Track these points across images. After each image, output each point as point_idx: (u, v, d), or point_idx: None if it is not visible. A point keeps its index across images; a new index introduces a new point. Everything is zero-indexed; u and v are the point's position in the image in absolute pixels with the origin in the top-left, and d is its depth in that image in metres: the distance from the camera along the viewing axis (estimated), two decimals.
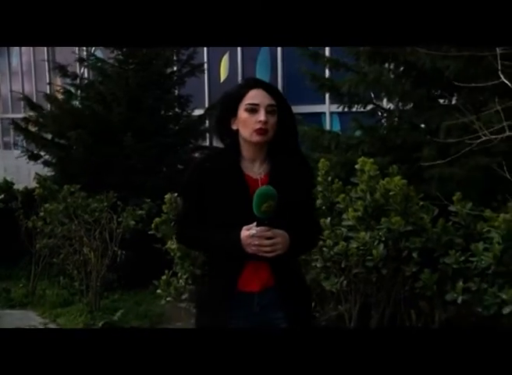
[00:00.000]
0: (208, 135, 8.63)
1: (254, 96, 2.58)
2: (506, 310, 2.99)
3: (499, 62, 2.95)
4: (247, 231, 2.51)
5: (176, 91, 8.17)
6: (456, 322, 3.43)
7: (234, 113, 2.62)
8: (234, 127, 2.64)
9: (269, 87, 2.64)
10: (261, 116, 2.54)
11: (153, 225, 4.56)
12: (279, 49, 7.95)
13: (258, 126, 2.54)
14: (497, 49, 2.97)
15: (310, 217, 2.77)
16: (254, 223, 2.50)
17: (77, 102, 8.14)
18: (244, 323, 2.64)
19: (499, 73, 2.97)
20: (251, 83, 2.66)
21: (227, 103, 2.68)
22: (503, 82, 2.99)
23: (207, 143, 8.71)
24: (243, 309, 2.64)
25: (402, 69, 4.55)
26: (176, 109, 7.92)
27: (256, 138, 2.57)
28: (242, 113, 2.59)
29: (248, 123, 2.57)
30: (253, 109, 2.56)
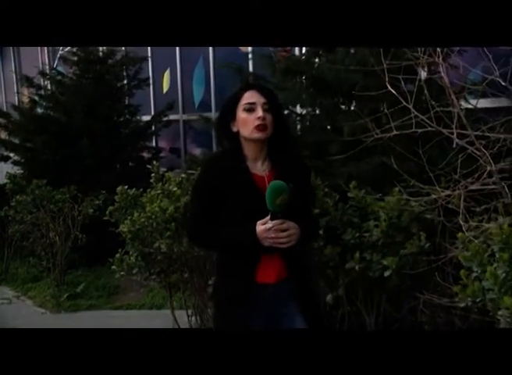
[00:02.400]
0: (154, 137, 8.64)
1: (250, 96, 2.38)
2: (386, 273, 3.11)
3: (386, 74, 3.02)
4: (263, 225, 2.28)
5: (126, 101, 8.14)
6: (356, 285, 3.52)
7: (233, 116, 2.41)
8: (234, 129, 2.42)
9: (262, 88, 2.45)
10: (259, 112, 2.34)
11: (107, 212, 4.54)
12: (211, 65, 7.92)
13: (258, 122, 2.33)
14: (384, 64, 3.03)
15: (310, 209, 2.62)
16: (268, 217, 2.27)
17: (41, 110, 7.98)
18: (259, 314, 2.41)
19: (387, 84, 3.04)
20: (246, 86, 2.49)
21: (225, 107, 2.46)
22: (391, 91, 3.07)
23: (153, 144, 8.70)
24: (259, 300, 2.40)
25: (310, 81, 4.59)
26: (127, 116, 7.86)
27: (256, 135, 2.35)
28: (241, 114, 2.38)
29: (248, 122, 2.36)
30: (250, 109, 2.35)
